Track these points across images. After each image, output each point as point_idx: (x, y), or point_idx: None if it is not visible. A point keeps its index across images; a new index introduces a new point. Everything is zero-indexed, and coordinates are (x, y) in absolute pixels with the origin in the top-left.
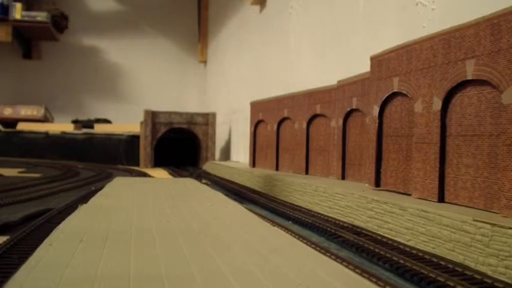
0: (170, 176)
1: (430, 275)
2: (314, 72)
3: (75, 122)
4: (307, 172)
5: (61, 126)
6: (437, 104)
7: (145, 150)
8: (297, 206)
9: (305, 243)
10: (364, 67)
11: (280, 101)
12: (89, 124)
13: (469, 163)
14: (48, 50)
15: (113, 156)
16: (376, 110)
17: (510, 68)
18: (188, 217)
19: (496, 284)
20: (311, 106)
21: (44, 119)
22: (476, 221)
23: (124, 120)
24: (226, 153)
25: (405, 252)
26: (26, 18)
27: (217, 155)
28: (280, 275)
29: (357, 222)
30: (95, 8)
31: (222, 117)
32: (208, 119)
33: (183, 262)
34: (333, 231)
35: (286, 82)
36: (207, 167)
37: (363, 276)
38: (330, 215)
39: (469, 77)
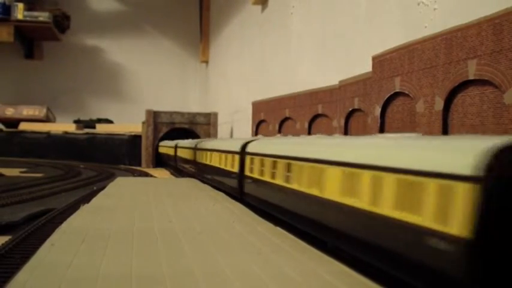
0: (172, 176)
1: None
2: (315, 72)
3: (77, 122)
4: None
5: (63, 126)
6: (439, 104)
7: (147, 150)
8: None
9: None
10: (366, 67)
11: (282, 101)
12: (91, 124)
13: None
14: (50, 50)
15: (114, 156)
16: (377, 109)
17: None
18: (190, 217)
19: None
20: (312, 106)
21: (46, 119)
22: None
23: (126, 120)
24: None
25: None
26: (28, 19)
27: None
28: (282, 275)
29: None
30: (97, 8)
31: (223, 117)
32: (210, 119)
33: (185, 262)
34: None
35: (287, 82)
36: None
37: (364, 276)
38: None
39: (471, 77)
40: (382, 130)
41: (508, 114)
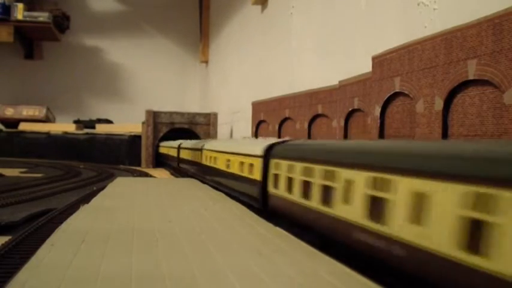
0: (171, 176)
1: None
2: (315, 72)
3: (76, 122)
4: None
5: (63, 126)
6: (439, 104)
7: (146, 150)
8: None
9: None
10: (366, 67)
11: (282, 101)
12: (91, 124)
13: None
14: (50, 50)
15: (114, 156)
16: (377, 110)
17: None
18: (190, 217)
19: None
20: (312, 106)
21: (46, 119)
22: None
23: (125, 120)
24: None
25: None
26: (27, 19)
27: None
28: (282, 275)
29: None
30: (97, 8)
31: (223, 117)
32: (210, 119)
33: (184, 262)
34: None
35: (287, 82)
36: None
37: (364, 277)
38: None
39: (471, 77)
40: (382, 130)
41: (508, 114)
